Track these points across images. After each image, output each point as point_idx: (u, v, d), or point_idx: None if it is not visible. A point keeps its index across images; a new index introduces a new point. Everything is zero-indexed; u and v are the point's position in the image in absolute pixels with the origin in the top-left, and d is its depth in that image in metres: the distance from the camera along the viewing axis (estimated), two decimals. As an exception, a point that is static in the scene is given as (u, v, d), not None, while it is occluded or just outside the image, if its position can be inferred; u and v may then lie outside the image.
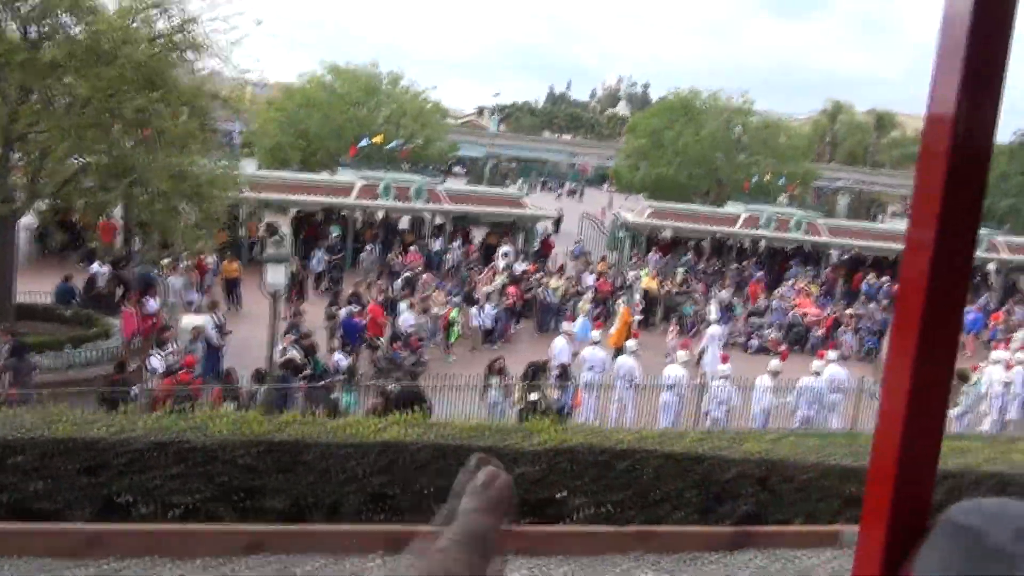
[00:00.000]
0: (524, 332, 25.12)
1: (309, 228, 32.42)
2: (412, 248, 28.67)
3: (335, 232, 30.67)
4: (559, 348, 18.31)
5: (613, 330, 22.39)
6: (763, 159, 41.58)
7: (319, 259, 27.53)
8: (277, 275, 12.42)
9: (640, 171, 43.54)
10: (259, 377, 13.05)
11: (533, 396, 14.50)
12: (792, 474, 8.64)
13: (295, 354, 15.13)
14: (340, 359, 16.44)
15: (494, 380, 15.29)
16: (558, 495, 8.05)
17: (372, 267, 27.06)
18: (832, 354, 18.67)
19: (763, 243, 37.66)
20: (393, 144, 34.62)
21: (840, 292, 33.27)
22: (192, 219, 16.34)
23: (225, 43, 18.49)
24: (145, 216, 16.42)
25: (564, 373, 16.17)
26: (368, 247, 29.50)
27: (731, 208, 37.45)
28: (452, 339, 22.29)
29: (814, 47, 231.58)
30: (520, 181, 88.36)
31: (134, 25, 15.93)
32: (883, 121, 71.80)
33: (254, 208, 32.88)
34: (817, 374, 17.53)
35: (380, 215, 34.26)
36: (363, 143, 34.00)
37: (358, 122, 37.05)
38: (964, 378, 19.64)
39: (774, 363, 18.81)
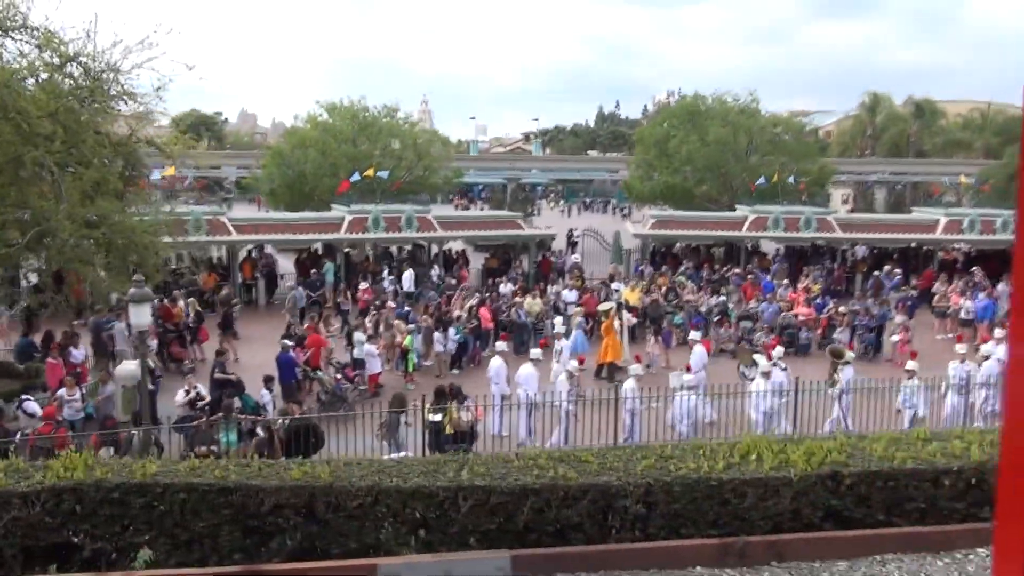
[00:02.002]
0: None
1: (304, 266, 32.66)
2: (363, 285, 28.34)
3: (326, 268, 30.78)
4: (525, 376, 17.41)
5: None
6: (775, 159, 40.26)
7: (300, 295, 27.54)
8: (141, 315, 12.20)
9: (651, 181, 42.65)
10: (136, 420, 12.80)
11: (436, 417, 13.94)
12: (341, 501, 7.87)
13: (198, 393, 14.90)
14: (264, 395, 16.19)
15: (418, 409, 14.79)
16: (75, 539, 7.26)
17: (297, 303, 26.75)
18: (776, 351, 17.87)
19: (776, 244, 36.41)
20: (385, 174, 34.54)
21: (859, 289, 31.77)
22: (104, 267, 16.29)
23: (149, 89, 18.95)
24: (56, 265, 16.47)
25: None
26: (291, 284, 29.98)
27: (738, 211, 36.35)
28: (410, 368, 21.85)
29: (872, 45, 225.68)
30: (562, 202, 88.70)
31: (31, 81, 16.10)
32: (922, 109, 69.05)
33: (251, 250, 33.44)
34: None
35: (369, 247, 34.35)
36: (354, 178, 34.09)
37: (352, 158, 37.22)
38: (838, 355, 18.95)
39: (764, 362, 17.95)
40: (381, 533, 7.76)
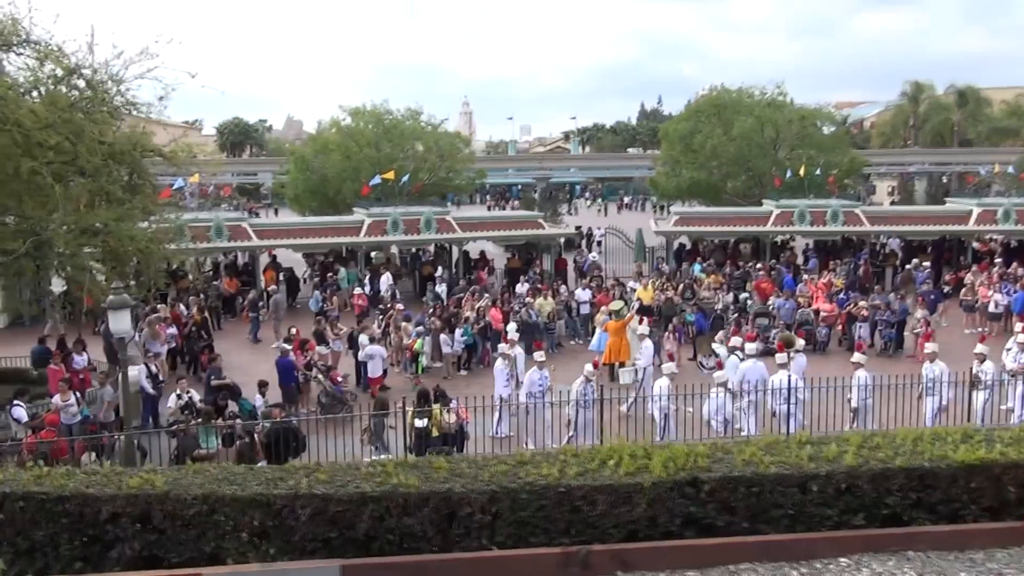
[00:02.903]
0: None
1: (324, 269, 32.93)
2: (357, 290, 28.29)
3: (341, 276, 30.94)
4: (530, 381, 17.03)
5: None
6: (803, 152, 39.46)
7: (316, 299, 27.80)
8: (121, 322, 12.35)
9: (677, 177, 42.13)
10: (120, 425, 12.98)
11: (420, 423, 13.88)
12: (177, 509, 7.69)
13: (191, 398, 15.06)
14: (258, 400, 16.32)
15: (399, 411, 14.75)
16: None
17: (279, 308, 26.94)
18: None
19: (799, 239, 35.66)
20: (405, 177, 34.66)
21: (889, 282, 30.99)
22: (108, 274, 16.58)
23: (153, 99, 19.25)
24: (57, 274, 16.80)
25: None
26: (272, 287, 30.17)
27: (764, 206, 35.74)
28: (420, 370, 21.88)
29: (921, 34, 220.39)
30: (599, 200, 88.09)
31: (35, 93, 16.45)
32: (966, 97, 67.06)
33: (274, 256, 33.86)
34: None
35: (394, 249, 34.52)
36: (374, 181, 34.28)
37: (375, 162, 37.43)
38: (788, 344, 18.66)
39: (723, 352, 17.73)
40: (222, 542, 7.64)
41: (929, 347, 17.55)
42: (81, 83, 18.17)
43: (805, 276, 28.93)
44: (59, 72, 17.66)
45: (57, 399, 14.75)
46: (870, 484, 8.37)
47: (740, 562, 7.60)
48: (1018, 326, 19.69)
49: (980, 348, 18.30)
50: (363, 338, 20.98)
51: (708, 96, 42.20)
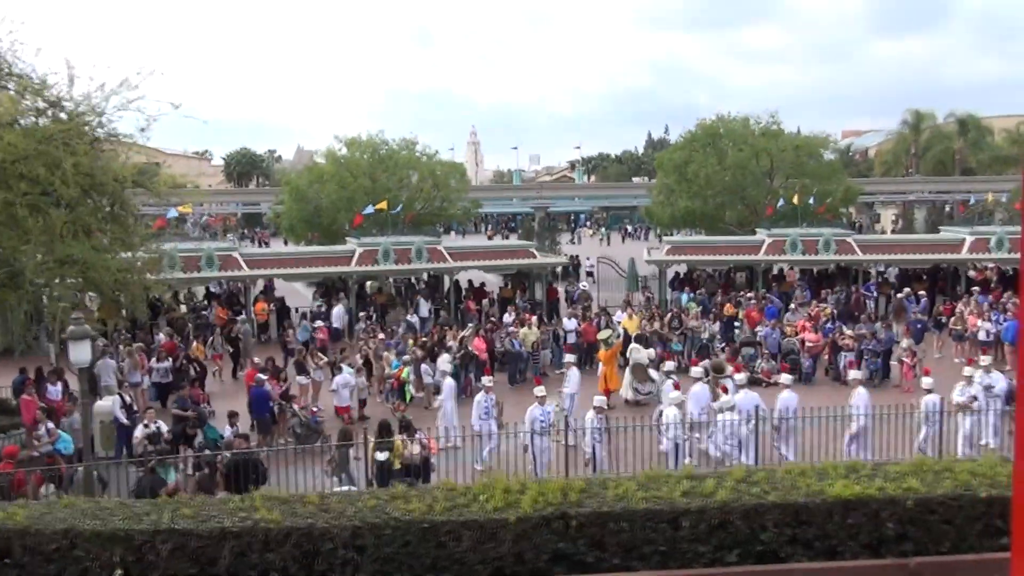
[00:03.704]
0: (496, 386, 24.20)
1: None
2: (318, 323, 27.78)
3: (335, 311, 30.82)
4: (530, 419, 16.34)
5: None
6: (796, 182, 39.48)
7: (305, 328, 27.80)
8: (81, 352, 12.40)
9: (671, 207, 42.19)
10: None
11: (381, 456, 13.81)
12: (38, 544, 7.61)
13: (157, 428, 15.06)
14: (227, 430, 16.29)
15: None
16: None
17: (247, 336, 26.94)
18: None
19: (792, 267, 35.54)
20: (397, 208, 34.84)
21: (883, 312, 30.80)
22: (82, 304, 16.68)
23: (134, 129, 19.49)
24: (28, 307, 16.93)
25: None
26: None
27: (758, 235, 35.72)
28: (408, 399, 21.83)
29: (936, 62, 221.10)
30: (602, 229, 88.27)
31: (13, 126, 16.66)
32: (967, 126, 67.02)
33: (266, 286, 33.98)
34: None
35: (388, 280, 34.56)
36: (367, 211, 34.46)
37: (369, 192, 37.67)
38: (719, 370, 18.62)
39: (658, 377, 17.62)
40: None
41: (926, 381, 17.29)
42: (63, 115, 18.45)
43: (792, 306, 28.76)
44: (40, 104, 17.95)
45: (43, 430, 14.79)
46: (743, 520, 8.26)
47: None
48: (984, 359, 19.46)
49: (968, 371, 18.19)
50: (346, 368, 21.00)
51: (703, 125, 42.31)
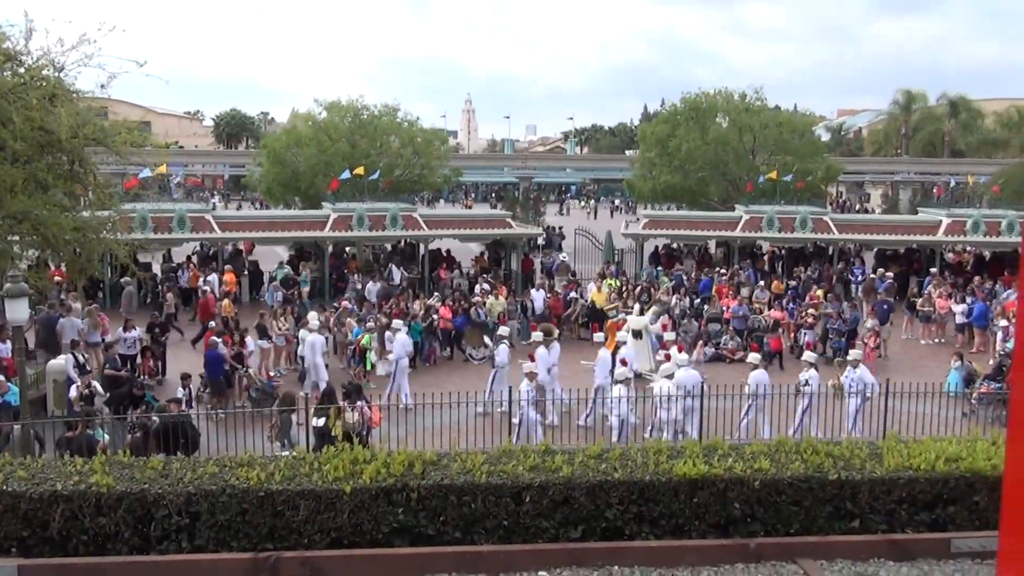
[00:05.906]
0: (459, 356, 24.20)
1: (293, 263, 32.82)
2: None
3: (303, 276, 30.56)
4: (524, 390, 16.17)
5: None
6: (778, 159, 39.29)
7: (271, 294, 27.68)
8: (17, 310, 12.31)
9: (653, 180, 41.99)
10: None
11: (318, 421, 13.78)
12: None
13: (91, 389, 15.04)
14: (179, 392, 16.27)
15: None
16: None
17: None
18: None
19: (767, 244, 35.44)
20: (375, 174, 34.60)
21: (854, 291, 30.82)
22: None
23: (95, 85, 19.22)
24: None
25: None
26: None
27: (736, 211, 35.61)
28: (368, 366, 21.78)
29: (939, 42, 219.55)
30: (591, 202, 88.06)
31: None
32: (957, 108, 66.76)
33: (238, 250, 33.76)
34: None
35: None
36: (344, 176, 34.20)
37: (348, 156, 37.34)
38: (548, 333, 18.80)
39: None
40: None
41: (853, 354, 17.39)
42: (21, 70, 18.18)
43: (761, 282, 28.75)
44: (-2, 58, 17.65)
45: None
46: (587, 496, 8.25)
47: (437, 572, 7.43)
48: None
49: (853, 355, 18.18)
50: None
51: (687, 99, 41.94)
